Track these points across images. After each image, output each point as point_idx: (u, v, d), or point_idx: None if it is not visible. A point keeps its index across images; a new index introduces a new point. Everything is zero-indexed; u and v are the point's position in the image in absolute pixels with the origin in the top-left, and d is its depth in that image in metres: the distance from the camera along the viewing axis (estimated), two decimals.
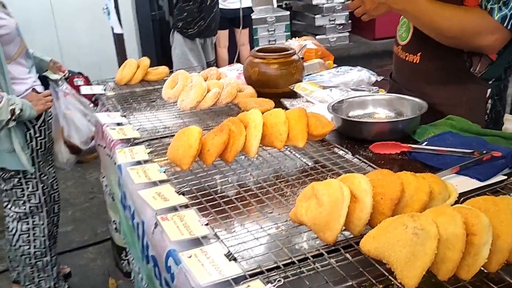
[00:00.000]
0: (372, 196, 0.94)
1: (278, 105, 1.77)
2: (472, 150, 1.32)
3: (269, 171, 1.31)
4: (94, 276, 2.84)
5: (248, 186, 1.22)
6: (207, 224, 1.03)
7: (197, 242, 0.98)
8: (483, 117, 1.66)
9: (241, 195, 1.17)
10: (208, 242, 0.98)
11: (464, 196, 1.04)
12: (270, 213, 1.10)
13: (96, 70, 4.58)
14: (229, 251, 0.91)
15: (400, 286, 0.80)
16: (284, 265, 0.89)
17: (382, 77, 2.03)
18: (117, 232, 2.23)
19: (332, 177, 1.22)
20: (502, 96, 1.69)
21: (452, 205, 0.90)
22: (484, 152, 1.30)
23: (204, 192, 1.19)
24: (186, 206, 1.11)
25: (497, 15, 1.40)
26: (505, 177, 1.23)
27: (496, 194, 1.04)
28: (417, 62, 1.68)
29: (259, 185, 1.22)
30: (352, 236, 0.95)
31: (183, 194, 1.16)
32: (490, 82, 1.63)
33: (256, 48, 2.05)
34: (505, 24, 1.40)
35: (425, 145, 1.41)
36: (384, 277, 0.85)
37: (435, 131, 1.50)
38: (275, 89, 1.93)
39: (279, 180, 1.24)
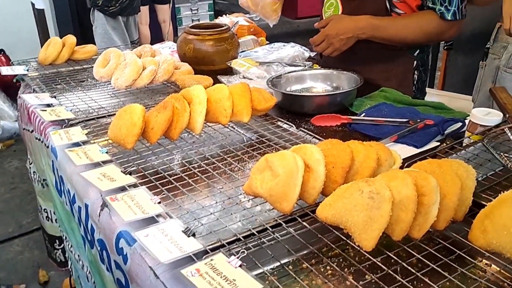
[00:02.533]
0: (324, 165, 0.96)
1: (216, 82, 1.74)
2: (407, 120, 1.39)
3: (216, 147, 1.30)
4: (22, 270, 2.69)
5: (197, 163, 1.20)
6: (159, 202, 1.00)
7: (149, 221, 0.96)
8: (411, 88, 1.77)
9: (190, 171, 1.15)
10: (162, 220, 0.95)
11: (405, 163, 1.09)
12: (221, 188, 1.10)
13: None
14: (187, 227, 0.90)
15: (357, 248, 0.83)
16: (244, 237, 0.89)
17: (315, 53, 2.06)
18: (48, 220, 2.12)
19: (280, 150, 1.24)
20: (426, 67, 1.81)
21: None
22: (418, 121, 1.38)
23: (151, 170, 1.16)
24: (134, 186, 1.07)
25: (448, 15, 1.56)
26: (438, 143, 1.31)
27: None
28: None
29: (207, 161, 1.21)
30: (307, 205, 0.97)
31: (130, 174, 1.12)
32: (416, 54, 1.74)
33: (190, 25, 2.01)
34: (457, 18, 1.57)
35: (363, 116, 1.47)
36: (342, 241, 0.88)
37: (370, 102, 1.56)
38: (211, 66, 1.91)
39: (227, 155, 1.23)
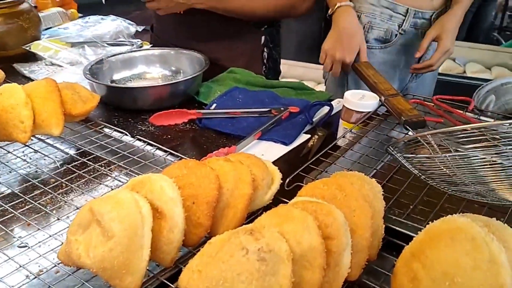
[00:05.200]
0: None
1: (12, 74, 1.29)
2: (268, 109, 1.14)
3: (13, 178, 0.88)
4: None
5: None
6: None
7: None
8: (261, 68, 1.54)
9: None
10: None
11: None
12: (25, 251, 0.71)
13: None
14: None
15: None
16: None
17: (143, 27, 1.69)
18: None
19: (112, 174, 0.88)
20: (277, 43, 1.59)
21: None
22: (282, 109, 1.13)
23: None
24: None
25: None
26: (309, 135, 1.08)
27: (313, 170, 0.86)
28: (181, 12, 1.39)
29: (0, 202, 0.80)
30: (162, 268, 0.65)
31: None
32: (263, 29, 1.49)
33: None
34: None
35: (215, 108, 1.17)
36: None
37: (220, 88, 1.28)
38: (3, 52, 1.43)
39: (28, 195, 0.83)
